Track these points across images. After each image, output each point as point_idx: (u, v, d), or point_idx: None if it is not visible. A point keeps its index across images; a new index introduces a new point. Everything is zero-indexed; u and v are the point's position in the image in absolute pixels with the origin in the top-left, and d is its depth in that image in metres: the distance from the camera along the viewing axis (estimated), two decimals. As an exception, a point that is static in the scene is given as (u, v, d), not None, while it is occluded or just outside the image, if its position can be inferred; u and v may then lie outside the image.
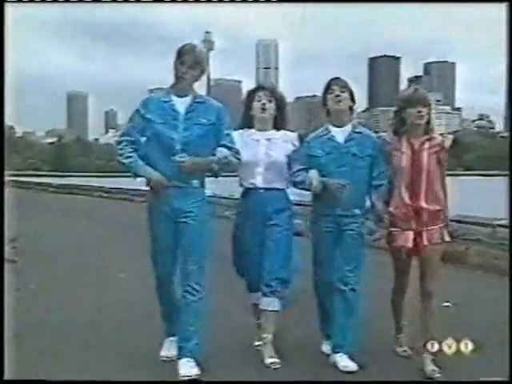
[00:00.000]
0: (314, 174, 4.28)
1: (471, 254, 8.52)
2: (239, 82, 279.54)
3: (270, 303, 4.33)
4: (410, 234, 4.15)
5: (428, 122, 4.17)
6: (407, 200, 4.14)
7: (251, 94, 4.54)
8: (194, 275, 4.12)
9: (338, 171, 4.30)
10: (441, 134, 4.25)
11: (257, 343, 4.51)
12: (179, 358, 4.10)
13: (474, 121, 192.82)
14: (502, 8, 4.38)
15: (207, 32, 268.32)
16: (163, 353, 4.41)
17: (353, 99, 4.43)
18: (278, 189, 4.42)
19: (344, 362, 4.21)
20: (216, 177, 4.21)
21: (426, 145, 4.15)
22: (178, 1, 5.21)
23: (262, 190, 4.39)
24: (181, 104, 4.21)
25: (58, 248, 10.18)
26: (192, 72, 4.17)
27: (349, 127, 4.42)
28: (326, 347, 4.51)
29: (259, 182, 4.39)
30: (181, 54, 4.16)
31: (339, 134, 4.39)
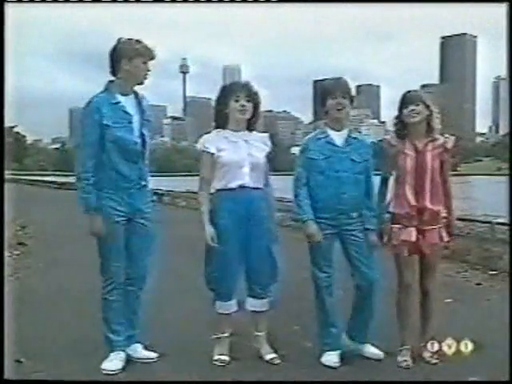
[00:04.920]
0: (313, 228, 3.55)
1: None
2: (209, 99, 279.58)
3: (262, 304, 3.64)
4: (413, 230, 3.53)
5: (429, 123, 3.55)
6: (412, 201, 3.52)
7: (228, 91, 3.59)
8: (146, 270, 3.60)
9: (336, 176, 3.57)
10: (441, 135, 3.61)
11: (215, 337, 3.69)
12: (129, 344, 3.59)
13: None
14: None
15: (183, 58, 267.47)
16: (108, 365, 3.45)
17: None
18: (261, 188, 3.61)
19: (372, 350, 3.66)
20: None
21: (429, 146, 3.55)
22: (178, 1, 4.47)
23: (250, 189, 3.54)
24: (128, 103, 3.46)
25: (62, 234, 10.03)
26: (149, 73, 3.48)
27: (345, 132, 3.67)
28: (326, 358, 3.60)
29: (247, 181, 3.53)
30: (141, 53, 3.40)
31: (337, 138, 3.64)
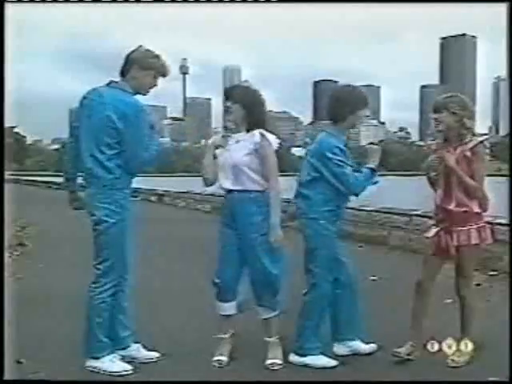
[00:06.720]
0: None
1: (392, 237, 8.65)
2: (209, 99, 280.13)
3: (266, 312, 3.58)
4: (434, 228, 3.60)
5: (462, 127, 3.52)
6: (439, 202, 3.58)
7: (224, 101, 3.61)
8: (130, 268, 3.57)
9: None
10: (474, 135, 3.58)
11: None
12: (128, 345, 3.59)
13: (395, 132, 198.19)
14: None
15: (183, 59, 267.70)
16: (114, 368, 3.40)
17: None
18: (249, 191, 3.47)
19: (366, 346, 3.76)
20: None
21: (458, 150, 3.53)
22: (178, 1, 4.40)
23: (232, 193, 3.51)
24: None
25: (62, 234, 10.02)
26: (154, 87, 3.53)
27: None
28: (321, 361, 3.60)
29: (228, 184, 3.51)
30: (155, 68, 3.45)
31: None
